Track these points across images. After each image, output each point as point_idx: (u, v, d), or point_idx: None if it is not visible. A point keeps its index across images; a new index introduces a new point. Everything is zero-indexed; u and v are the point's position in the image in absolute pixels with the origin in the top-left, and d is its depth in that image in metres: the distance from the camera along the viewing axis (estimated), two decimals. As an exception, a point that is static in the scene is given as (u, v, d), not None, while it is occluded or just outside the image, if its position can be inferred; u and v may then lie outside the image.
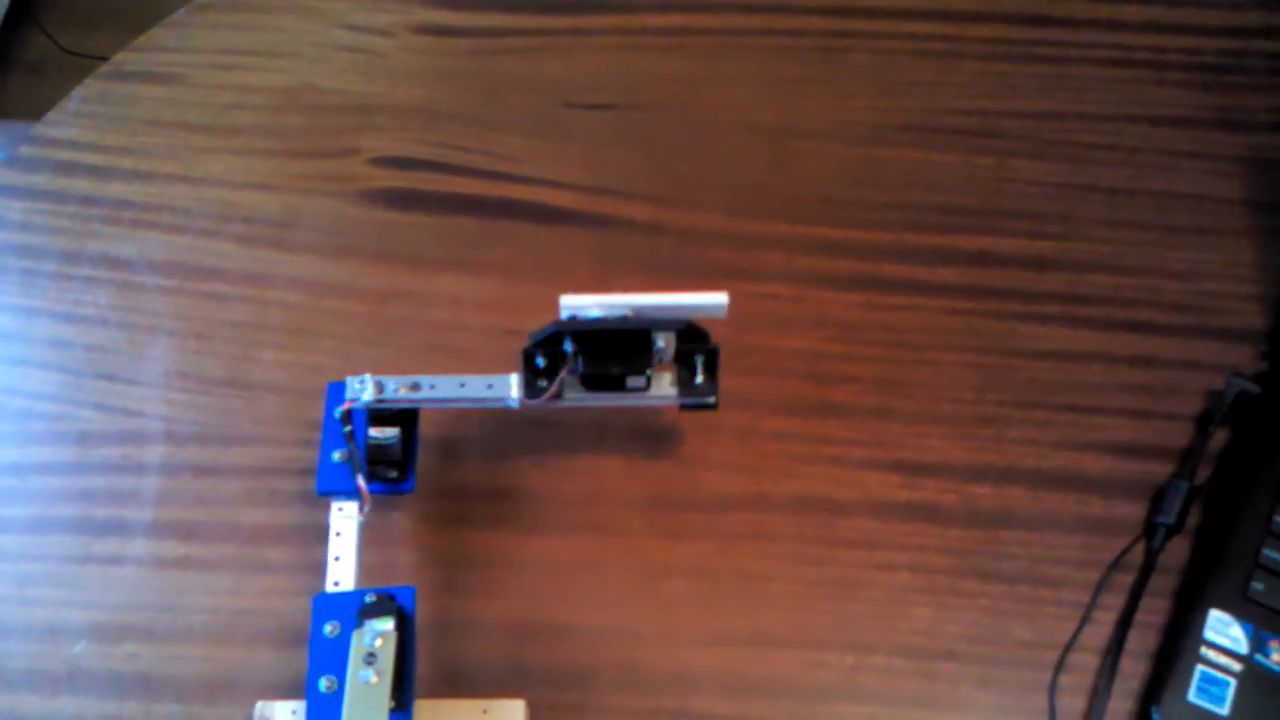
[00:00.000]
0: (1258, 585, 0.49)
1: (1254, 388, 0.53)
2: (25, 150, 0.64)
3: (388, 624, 0.42)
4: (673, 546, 0.52)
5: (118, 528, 0.53)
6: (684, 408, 0.50)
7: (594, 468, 0.54)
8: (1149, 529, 0.52)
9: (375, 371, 0.48)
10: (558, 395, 0.48)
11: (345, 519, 0.48)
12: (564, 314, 0.45)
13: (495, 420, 0.55)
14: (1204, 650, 0.48)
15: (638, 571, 0.52)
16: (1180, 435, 0.54)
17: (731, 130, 0.64)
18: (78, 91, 0.66)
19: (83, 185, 0.63)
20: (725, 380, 0.55)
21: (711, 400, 0.49)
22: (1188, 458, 0.53)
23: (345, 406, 0.47)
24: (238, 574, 0.52)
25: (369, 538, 0.51)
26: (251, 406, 0.56)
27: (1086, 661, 0.50)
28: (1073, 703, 0.49)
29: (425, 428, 0.53)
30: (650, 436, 0.55)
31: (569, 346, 0.46)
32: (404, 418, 0.49)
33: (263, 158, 0.63)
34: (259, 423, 0.56)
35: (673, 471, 0.54)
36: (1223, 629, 0.48)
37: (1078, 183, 0.62)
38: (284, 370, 0.57)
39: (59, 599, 0.52)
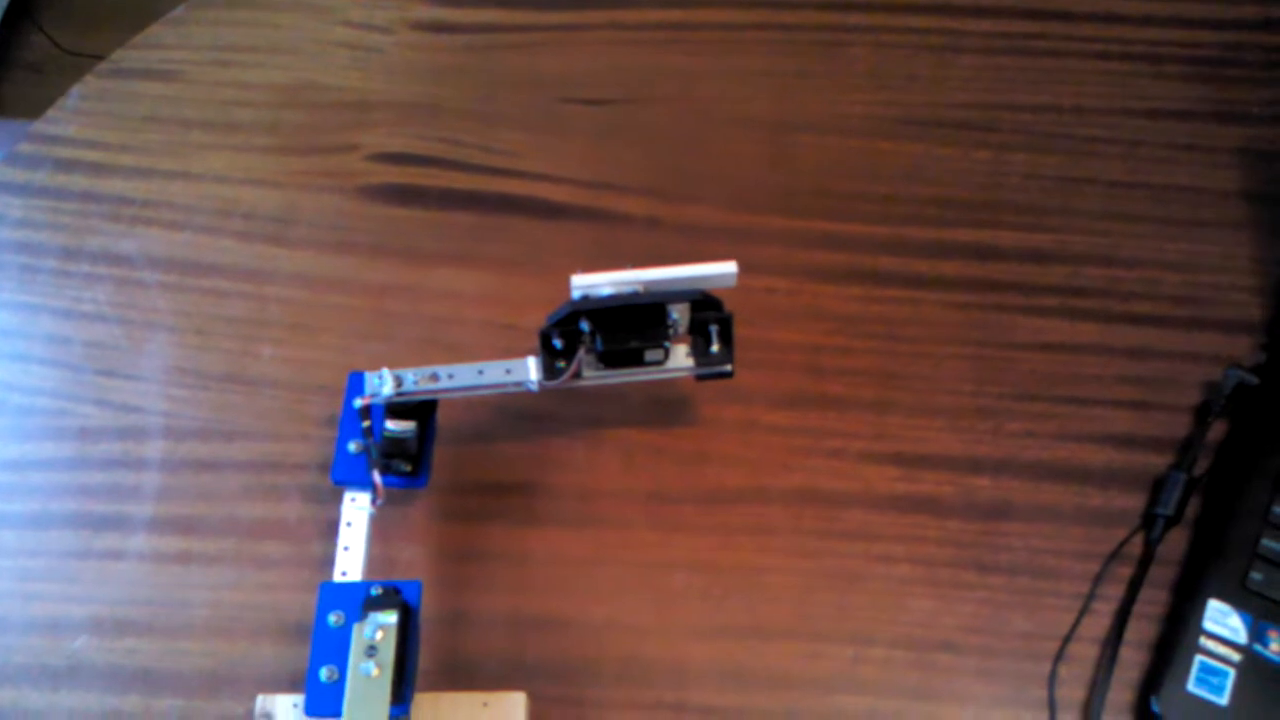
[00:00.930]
0: (1256, 575, 0.49)
1: (1252, 379, 0.53)
2: (25, 147, 0.64)
3: (390, 617, 0.42)
4: (672, 540, 0.52)
5: (118, 523, 0.53)
6: (700, 378, 0.50)
7: (594, 462, 0.54)
8: (1148, 520, 0.52)
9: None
10: (577, 375, 0.48)
11: (358, 509, 0.48)
12: (575, 294, 0.46)
13: (495, 415, 0.55)
14: (1203, 640, 0.48)
15: (638, 565, 0.52)
16: (1179, 427, 0.55)
17: (729, 124, 0.64)
18: (77, 89, 0.66)
19: (82, 182, 0.63)
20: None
21: (728, 368, 0.49)
22: (1186, 449, 0.53)
23: (365, 401, 0.47)
24: (238, 568, 0.52)
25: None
26: (251, 401, 0.56)
27: (1086, 652, 0.50)
28: (1072, 693, 0.49)
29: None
30: (650, 430, 0.55)
31: (585, 326, 0.47)
32: (421, 411, 0.49)
33: (262, 154, 0.64)
34: (259, 418, 0.56)
35: (672, 465, 0.54)
36: (1221, 619, 0.48)
37: (1076, 176, 0.62)
38: (283, 365, 0.57)
39: (60, 594, 0.52)
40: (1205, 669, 0.47)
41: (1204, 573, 0.50)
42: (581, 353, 0.47)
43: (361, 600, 0.43)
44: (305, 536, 0.52)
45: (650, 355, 0.48)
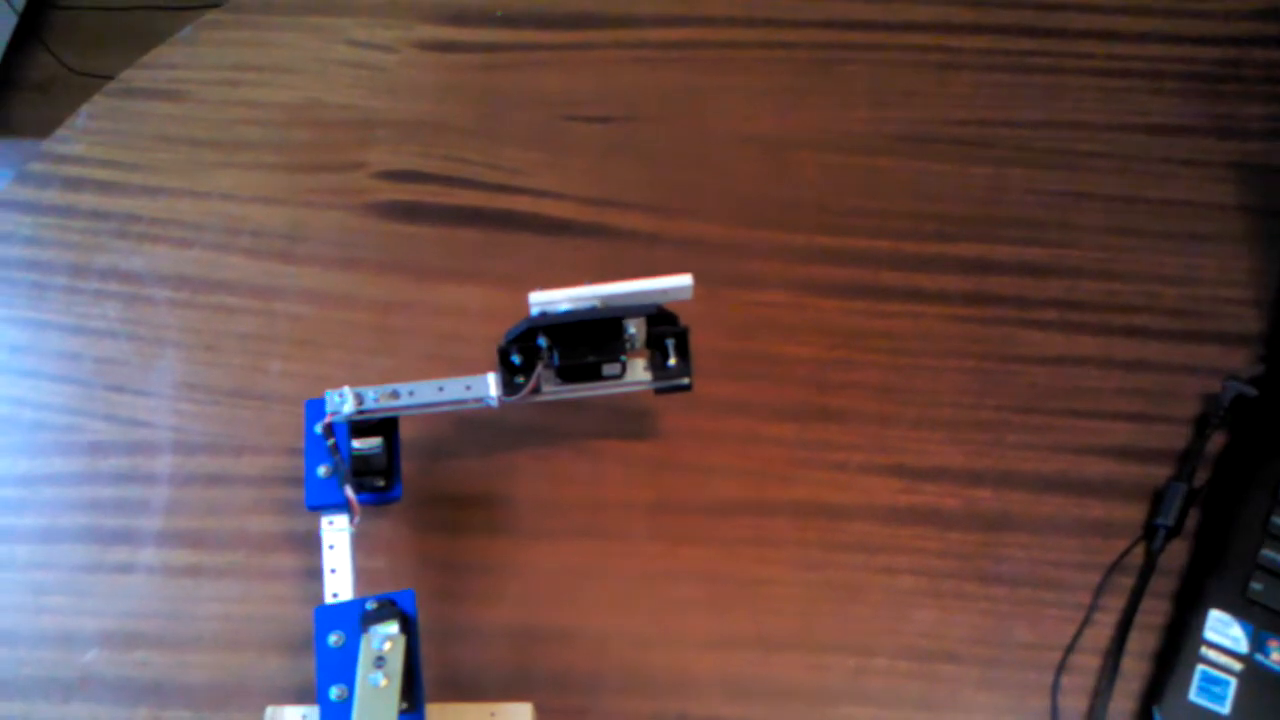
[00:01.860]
0: (1257, 585, 0.49)
1: (1251, 391, 0.54)
2: (35, 166, 0.65)
3: (394, 627, 0.43)
4: (676, 551, 0.53)
5: (128, 537, 0.54)
6: (659, 391, 0.51)
7: (597, 473, 0.55)
8: (1148, 531, 0.52)
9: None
10: (536, 390, 0.49)
11: (337, 532, 0.48)
12: (533, 310, 0.46)
13: (496, 427, 0.56)
14: (1204, 650, 0.48)
15: (641, 576, 0.52)
16: (1178, 438, 0.55)
17: (731, 141, 0.65)
18: (86, 108, 0.67)
19: (91, 200, 0.64)
20: (727, 387, 0.56)
21: (685, 381, 0.50)
22: (1186, 460, 0.54)
23: (327, 420, 0.48)
24: (247, 581, 0.53)
25: (370, 547, 0.52)
26: (260, 416, 0.57)
27: (1088, 663, 0.50)
28: (1075, 704, 0.49)
29: (422, 435, 0.53)
30: (653, 442, 0.55)
31: (543, 342, 0.47)
32: (385, 426, 0.50)
33: (269, 172, 0.64)
34: (267, 432, 0.56)
35: (675, 477, 0.55)
36: (1223, 629, 0.49)
37: (1074, 191, 0.62)
38: (292, 380, 0.58)
39: (71, 607, 0.52)
40: (1207, 679, 0.48)
41: (1205, 583, 0.50)
42: (540, 368, 0.48)
43: (358, 617, 0.44)
44: (313, 549, 0.52)
45: (608, 369, 0.49)
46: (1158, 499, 0.53)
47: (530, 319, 0.47)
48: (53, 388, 0.58)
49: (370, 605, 0.44)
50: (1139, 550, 0.52)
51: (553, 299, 0.47)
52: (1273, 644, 0.48)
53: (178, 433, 0.56)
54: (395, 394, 0.48)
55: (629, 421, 0.56)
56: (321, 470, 0.49)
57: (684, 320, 0.49)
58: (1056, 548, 0.52)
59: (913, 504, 0.54)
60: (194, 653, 0.51)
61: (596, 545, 0.53)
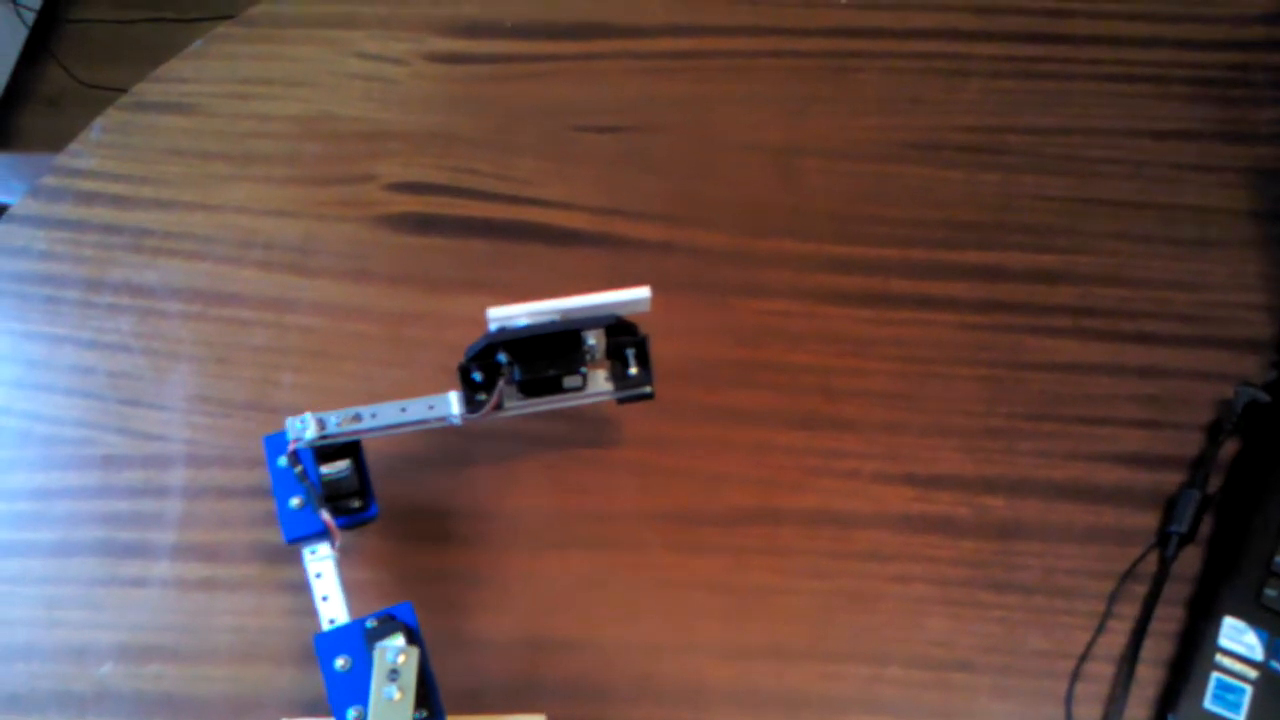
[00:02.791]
0: (1271, 592, 0.49)
1: (1263, 396, 0.54)
2: (48, 181, 0.65)
3: (401, 640, 0.43)
4: (688, 561, 0.53)
5: (142, 550, 0.54)
6: (622, 401, 0.51)
7: (609, 484, 0.55)
8: (1162, 538, 0.52)
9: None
10: (498, 407, 0.48)
11: (320, 560, 0.48)
12: (492, 326, 0.46)
13: (508, 441, 0.56)
14: (1219, 657, 0.48)
15: (653, 586, 0.52)
16: (1190, 445, 0.55)
17: (740, 150, 0.65)
18: (98, 122, 0.68)
19: (104, 214, 0.64)
20: (737, 396, 0.56)
21: (647, 390, 0.50)
22: (1199, 467, 0.54)
23: (291, 448, 0.48)
24: (261, 594, 0.53)
25: (394, 566, 0.52)
26: (273, 429, 0.57)
27: (1102, 670, 0.50)
28: (1089, 712, 0.49)
29: (438, 451, 0.54)
30: (664, 452, 0.56)
31: (503, 358, 0.47)
32: (349, 448, 0.50)
33: (281, 185, 0.65)
34: (280, 445, 0.56)
35: (687, 487, 0.55)
36: (1237, 636, 0.48)
37: (1084, 197, 0.62)
38: (304, 393, 0.58)
39: (85, 621, 0.52)
40: (1222, 686, 0.47)
41: (1219, 590, 0.50)
42: (501, 384, 0.48)
43: (360, 639, 0.44)
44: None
45: (568, 382, 0.49)
46: (1171, 506, 0.53)
47: (489, 335, 0.47)
48: (67, 402, 0.58)
49: (370, 624, 0.44)
50: (1152, 557, 0.52)
51: (511, 314, 0.46)
52: (1288, 651, 0.48)
53: (191, 446, 0.57)
54: (358, 417, 0.48)
55: (640, 432, 0.56)
56: (294, 502, 0.49)
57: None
58: (1070, 555, 0.52)
59: (925, 512, 0.54)
60: (208, 666, 0.51)
61: (609, 555, 0.53)
